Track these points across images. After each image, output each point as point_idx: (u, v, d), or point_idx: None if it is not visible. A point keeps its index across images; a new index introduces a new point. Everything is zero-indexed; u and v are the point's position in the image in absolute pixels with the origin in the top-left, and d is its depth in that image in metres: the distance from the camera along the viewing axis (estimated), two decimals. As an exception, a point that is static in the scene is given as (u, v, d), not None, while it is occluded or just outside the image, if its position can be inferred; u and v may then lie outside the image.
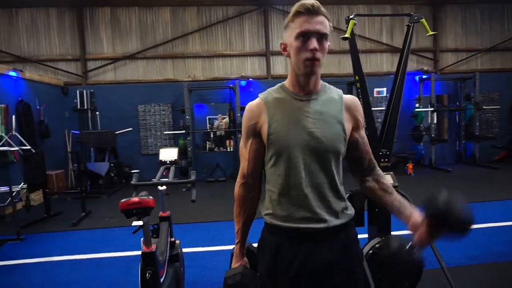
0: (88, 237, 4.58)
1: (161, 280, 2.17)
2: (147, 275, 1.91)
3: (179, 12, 8.85)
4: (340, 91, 1.37)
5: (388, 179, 2.61)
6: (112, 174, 7.56)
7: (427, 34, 2.58)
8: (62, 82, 8.35)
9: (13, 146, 5.49)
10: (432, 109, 8.42)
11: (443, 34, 9.72)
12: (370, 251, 2.63)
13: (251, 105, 1.35)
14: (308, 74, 1.23)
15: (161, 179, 2.50)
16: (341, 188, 1.31)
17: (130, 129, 8.19)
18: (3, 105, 5.74)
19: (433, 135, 8.57)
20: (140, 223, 1.77)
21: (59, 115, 7.95)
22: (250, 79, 8.78)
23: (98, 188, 7.28)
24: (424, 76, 8.74)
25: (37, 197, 6.35)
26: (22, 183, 5.40)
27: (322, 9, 1.20)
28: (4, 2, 8.24)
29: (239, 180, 1.41)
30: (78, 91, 8.13)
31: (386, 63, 9.44)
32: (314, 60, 1.20)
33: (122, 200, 1.76)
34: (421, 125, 8.59)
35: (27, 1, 8.32)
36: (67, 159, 7.93)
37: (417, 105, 8.67)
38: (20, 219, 5.31)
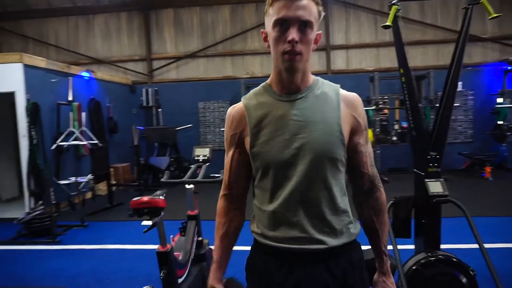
0: (141, 228, 4.82)
1: (181, 279, 2.15)
2: (161, 274, 1.89)
3: (238, 9, 8.91)
4: (338, 87, 1.14)
5: (434, 186, 2.30)
6: (172, 169, 7.91)
7: (489, 17, 2.17)
8: (130, 81, 8.97)
9: (82, 141, 6.00)
10: (517, 104, 7.36)
11: (536, 18, 8.42)
12: (413, 267, 2.33)
13: (232, 111, 1.17)
14: (288, 70, 1.04)
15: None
16: (343, 201, 1.10)
17: (191, 125, 8.48)
18: (76, 103, 6.30)
19: (518, 135, 7.49)
20: (149, 223, 1.74)
21: (127, 112, 8.55)
22: (309, 75, 8.53)
23: (159, 182, 7.66)
24: (509, 68, 7.67)
25: (104, 188, 6.89)
26: (90, 175, 5.90)
27: None
28: (83, 9, 9.08)
29: (221, 192, 1.26)
30: (144, 89, 8.65)
31: (462, 54, 8.45)
32: (294, 54, 1.00)
33: (134, 199, 1.75)
34: (504, 123, 7.55)
35: (102, 7, 9.06)
36: (132, 153, 8.49)
37: (499, 100, 7.64)
38: (87, 207, 5.83)
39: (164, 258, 1.92)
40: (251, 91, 1.19)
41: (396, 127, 8.02)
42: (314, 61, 8.85)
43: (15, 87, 5.33)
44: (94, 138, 6.32)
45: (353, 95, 1.15)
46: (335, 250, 1.08)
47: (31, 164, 5.33)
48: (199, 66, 9.19)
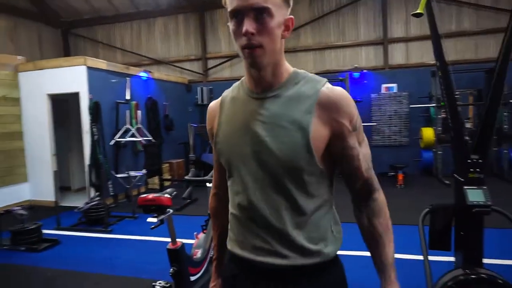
0: (185, 222, 5.00)
1: (196, 277, 2.17)
2: (171, 271, 1.93)
3: (291, 5, 8.79)
4: (322, 83, 0.98)
5: (475, 195, 2.03)
6: (223, 165, 8.09)
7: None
8: (187, 80, 9.35)
9: (138, 137, 6.39)
10: None
11: None
12: (448, 283, 2.08)
13: (210, 105, 1.15)
14: (252, 66, 0.95)
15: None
16: (314, 216, 0.98)
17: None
18: (134, 102, 6.74)
19: None
20: (154, 220, 1.78)
21: (183, 110, 8.92)
22: (364, 71, 8.12)
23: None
24: None
25: (157, 182, 7.28)
26: (143, 170, 6.27)
27: None
28: (145, 14, 9.66)
29: (211, 191, 1.25)
30: (199, 88, 8.95)
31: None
32: (253, 48, 0.90)
33: (141, 196, 1.80)
34: None
35: (161, 11, 9.55)
36: (186, 150, 8.86)
37: None
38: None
39: (175, 255, 1.95)
40: (233, 85, 1.12)
41: (469, 125, 7.27)
42: (369, 56, 8.40)
43: (79, 88, 5.86)
44: (149, 135, 6.70)
45: (337, 93, 0.97)
46: (302, 270, 0.97)
47: (93, 158, 5.82)
48: (252, 64, 9.24)
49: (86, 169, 5.92)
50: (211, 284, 1.26)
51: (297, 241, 0.96)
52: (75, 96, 5.98)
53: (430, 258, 2.63)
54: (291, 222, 0.96)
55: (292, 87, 0.98)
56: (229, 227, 1.11)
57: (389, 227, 1.05)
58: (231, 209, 1.08)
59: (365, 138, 1.05)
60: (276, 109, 0.97)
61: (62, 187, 7.02)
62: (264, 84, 0.99)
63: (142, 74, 7.36)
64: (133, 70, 7.14)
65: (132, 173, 6.13)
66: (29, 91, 6.20)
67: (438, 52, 2.06)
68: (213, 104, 1.14)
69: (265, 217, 0.97)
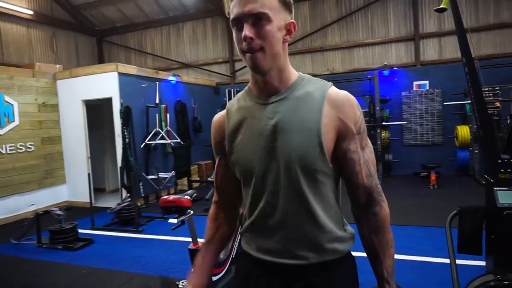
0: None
1: (218, 277, 2.20)
2: (190, 270, 1.96)
3: (317, 4, 8.69)
4: (327, 85, 1.01)
5: (506, 196, 1.92)
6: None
7: None
8: (215, 82, 9.49)
9: (167, 140, 6.57)
10: None
11: None
12: (479, 288, 1.98)
13: (215, 118, 1.16)
14: (253, 69, 0.96)
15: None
16: (327, 214, 1.00)
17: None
18: (163, 105, 6.93)
19: None
20: (175, 221, 1.83)
21: (211, 112, 9.03)
22: (395, 68, 7.89)
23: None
24: None
25: (186, 183, 7.43)
26: (172, 171, 6.43)
27: None
28: (174, 19, 9.91)
29: (214, 198, 1.26)
30: (227, 90, 9.06)
31: None
32: (253, 52, 0.92)
33: (162, 197, 1.85)
34: None
35: (190, 15, 9.76)
36: (215, 151, 8.99)
37: None
38: (170, 201, 6.36)
39: (195, 255, 1.98)
40: (237, 95, 1.15)
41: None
42: (400, 53, 8.15)
43: (112, 93, 6.11)
44: (178, 137, 6.86)
45: (343, 95, 1.00)
46: (317, 267, 1.00)
47: (124, 161, 6.04)
48: (278, 65, 9.23)
49: (118, 171, 6.15)
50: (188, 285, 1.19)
51: (315, 241, 0.99)
52: (108, 101, 6.24)
53: (461, 262, 2.51)
54: (309, 224, 0.99)
55: (298, 90, 1.00)
56: (242, 230, 1.13)
57: (388, 243, 1.04)
58: (248, 215, 1.09)
59: (370, 144, 1.04)
60: (285, 112, 0.98)
61: (97, 189, 7.34)
62: (270, 89, 1.01)
63: (171, 78, 7.56)
64: (162, 75, 7.34)
65: (162, 175, 6.31)
66: (66, 98, 6.54)
67: (464, 47, 1.97)
68: (219, 116, 1.15)
69: (283, 222, 1.00)
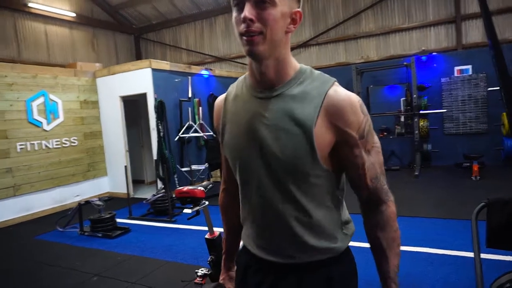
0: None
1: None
2: (209, 259, 2.03)
3: (350, -10, 8.44)
4: (327, 84, 0.92)
5: None
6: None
7: None
8: (247, 75, 9.53)
9: (200, 133, 6.73)
10: None
11: None
12: (506, 285, 1.88)
13: (216, 101, 1.12)
14: (249, 54, 0.88)
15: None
16: (319, 215, 0.96)
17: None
18: (196, 99, 7.09)
19: None
20: (189, 211, 1.89)
21: (244, 104, 9.14)
22: (434, 53, 7.49)
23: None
24: None
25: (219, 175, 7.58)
26: (206, 163, 6.58)
27: None
28: (207, 13, 10.05)
29: (221, 186, 1.27)
30: (259, 82, 9.07)
31: None
32: (251, 36, 0.85)
33: (177, 189, 1.92)
34: None
35: (222, 8, 9.85)
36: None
37: None
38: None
39: (212, 245, 2.05)
40: (239, 78, 1.08)
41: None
42: (439, 36, 7.71)
43: (146, 89, 6.34)
44: (211, 130, 7.00)
45: (344, 97, 0.91)
46: (307, 265, 0.98)
47: (159, 154, 6.28)
48: (311, 55, 9.10)
49: (154, 164, 6.41)
50: (221, 277, 1.27)
51: (306, 242, 0.96)
52: (143, 97, 6.49)
53: (488, 257, 2.37)
54: (299, 224, 0.96)
55: (296, 86, 0.93)
56: (241, 220, 1.13)
57: (395, 241, 0.98)
58: (241, 209, 1.09)
59: (377, 144, 0.97)
60: (279, 110, 0.92)
61: (136, 180, 7.70)
62: (267, 82, 0.94)
63: (203, 72, 7.69)
64: (194, 69, 7.50)
65: (195, 167, 6.48)
66: (105, 94, 6.89)
67: (490, 30, 1.84)
68: (219, 100, 1.11)
69: (270, 219, 0.98)
